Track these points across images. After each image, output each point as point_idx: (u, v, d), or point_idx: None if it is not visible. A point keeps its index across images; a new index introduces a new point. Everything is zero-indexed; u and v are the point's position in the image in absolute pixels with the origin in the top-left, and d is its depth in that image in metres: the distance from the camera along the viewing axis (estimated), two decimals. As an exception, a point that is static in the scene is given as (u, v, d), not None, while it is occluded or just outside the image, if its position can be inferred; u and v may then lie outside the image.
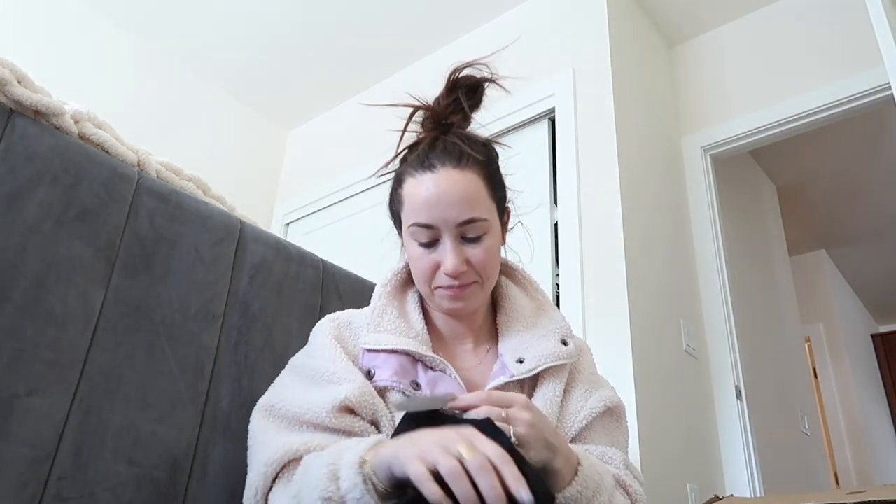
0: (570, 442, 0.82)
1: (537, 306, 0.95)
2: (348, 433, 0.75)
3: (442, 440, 0.58)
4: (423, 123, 0.90)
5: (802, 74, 2.31)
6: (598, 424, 0.86)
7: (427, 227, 0.82)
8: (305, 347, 0.89)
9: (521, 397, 0.71)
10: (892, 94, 1.86)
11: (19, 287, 0.68)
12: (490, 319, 0.95)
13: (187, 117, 2.99)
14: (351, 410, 0.77)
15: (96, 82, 2.68)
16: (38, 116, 0.75)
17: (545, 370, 0.85)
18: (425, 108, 0.89)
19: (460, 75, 0.89)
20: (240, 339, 0.90)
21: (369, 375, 0.81)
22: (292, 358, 0.89)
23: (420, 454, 0.57)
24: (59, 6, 2.63)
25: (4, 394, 0.64)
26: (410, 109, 0.90)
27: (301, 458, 0.72)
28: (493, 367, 0.88)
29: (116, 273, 0.77)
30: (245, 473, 0.81)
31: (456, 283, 0.83)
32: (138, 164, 0.86)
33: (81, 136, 0.81)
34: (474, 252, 0.83)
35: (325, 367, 0.81)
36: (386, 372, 0.81)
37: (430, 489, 0.55)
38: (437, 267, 0.83)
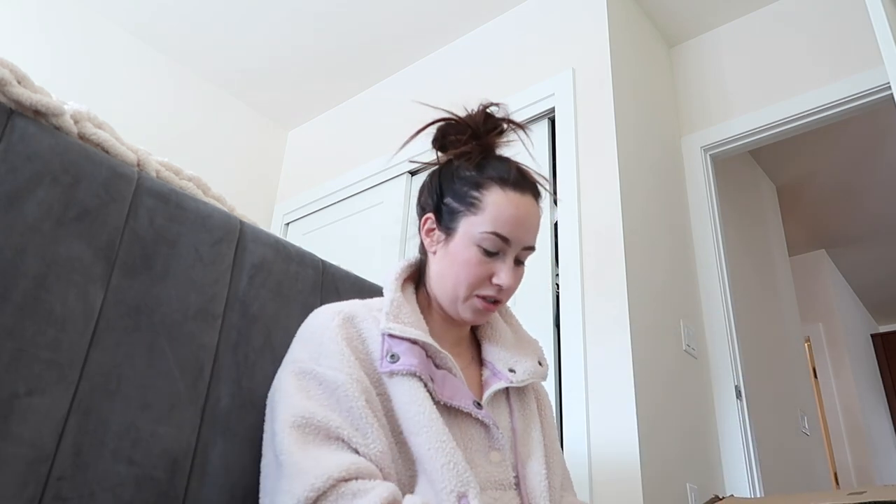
0: (549, 450, 0.94)
1: (513, 331, 1.03)
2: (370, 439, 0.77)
3: None
4: (459, 135, 0.95)
5: (802, 74, 2.31)
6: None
7: (504, 240, 0.88)
8: (309, 344, 0.86)
9: None
10: (892, 94, 1.86)
11: (19, 287, 0.68)
12: (471, 332, 1.02)
13: (187, 117, 2.99)
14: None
15: (96, 82, 2.68)
16: (38, 116, 0.75)
17: (528, 384, 0.97)
18: (469, 128, 0.95)
19: (489, 110, 0.97)
20: (239, 339, 0.90)
21: (392, 359, 0.82)
22: (295, 354, 0.86)
23: None
24: (59, 7, 2.63)
25: (4, 394, 0.64)
26: (446, 119, 0.97)
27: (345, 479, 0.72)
28: (478, 372, 0.96)
29: (116, 273, 0.77)
30: (245, 473, 0.81)
31: (499, 297, 0.90)
32: (138, 164, 0.86)
33: (81, 136, 0.81)
34: (516, 275, 0.91)
35: (337, 379, 0.80)
36: (412, 359, 0.83)
37: None
38: (489, 277, 0.89)
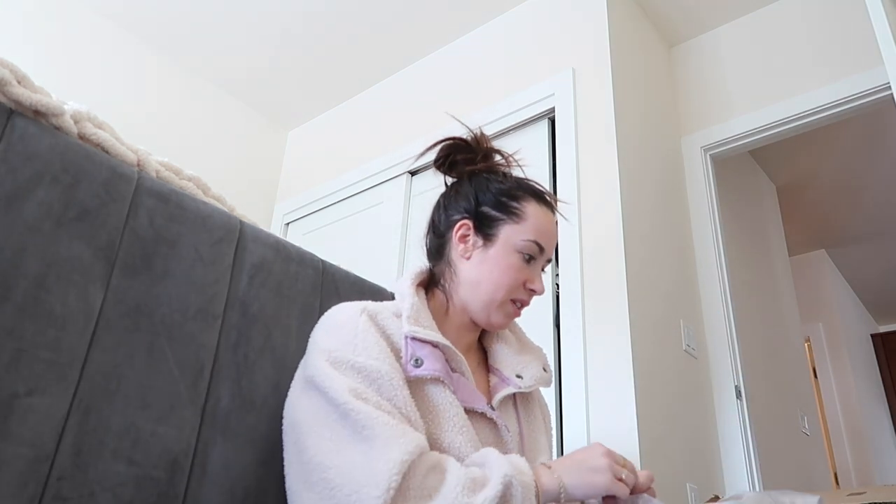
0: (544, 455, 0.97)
1: (517, 338, 1.06)
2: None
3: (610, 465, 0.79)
4: (469, 154, 1.02)
5: (802, 74, 2.31)
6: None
7: (540, 249, 0.96)
8: (339, 335, 0.84)
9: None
10: (892, 94, 1.86)
11: (19, 287, 0.68)
12: (477, 340, 1.05)
13: (187, 117, 2.99)
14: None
15: (96, 82, 2.68)
16: (38, 116, 0.75)
17: (533, 390, 1.00)
18: (476, 146, 1.03)
19: (483, 139, 1.04)
20: (239, 339, 0.90)
21: (417, 363, 0.83)
22: (324, 345, 0.83)
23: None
24: (59, 7, 2.63)
25: (4, 394, 0.64)
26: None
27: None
28: (485, 377, 0.98)
29: (116, 273, 0.77)
30: (245, 473, 0.81)
31: (528, 302, 0.97)
32: (138, 164, 0.86)
33: (81, 136, 0.81)
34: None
35: (380, 369, 0.80)
36: (435, 363, 0.85)
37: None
38: (525, 283, 0.95)
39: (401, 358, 0.84)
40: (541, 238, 0.95)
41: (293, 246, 1.05)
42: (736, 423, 2.03)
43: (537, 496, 0.75)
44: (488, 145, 1.03)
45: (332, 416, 0.76)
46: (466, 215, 0.98)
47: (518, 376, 0.96)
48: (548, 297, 1.96)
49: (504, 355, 1.00)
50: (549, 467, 0.80)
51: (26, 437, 0.65)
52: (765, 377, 2.65)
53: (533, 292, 0.95)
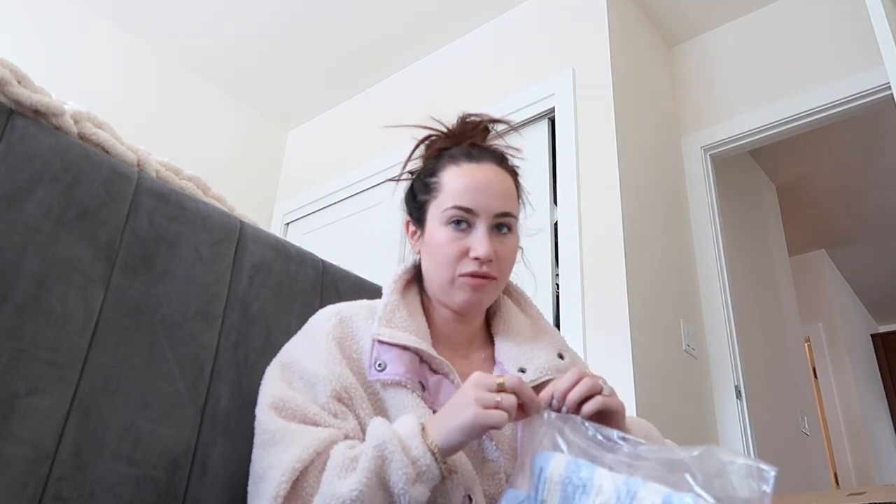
0: None
1: (532, 322, 0.98)
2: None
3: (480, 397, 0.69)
4: (435, 141, 0.96)
5: (802, 74, 2.31)
6: None
7: (467, 210, 0.86)
8: (303, 340, 0.87)
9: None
10: (892, 94, 1.86)
11: (19, 287, 0.68)
12: (485, 329, 0.98)
13: (187, 117, 2.99)
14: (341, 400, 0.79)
15: (96, 82, 2.68)
16: (38, 116, 0.75)
17: (544, 382, 0.86)
18: (442, 134, 0.96)
19: (469, 119, 0.97)
20: (239, 339, 0.90)
21: (380, 367, 0.82)
22: (289, 347, 0.87)
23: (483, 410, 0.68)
24: (59, 7, 2.63)
25: (4, 394, 0.64)
26: (426, 126, 0.96)
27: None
28: (491, 372, 0.90)
29: (116, 273, 0.77)
30: (245, 473, 0.81)
31: (481, 269, 0.85)
32: (138, 164, 0.86)
33: (81, 136, 0.81)
34: (501, 247, 0.87)
35: (319, 374, 0.80)
36: (399, 367, 0.82)
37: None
38: (466, 253, 0.86)
39: (367, 361, 0.83)
40: (462, 199, 0.86)
41: (293, 246, 1.05)
42: (736, 423, 2.03)
43: (414, 463, 0.68)
44: (460, 129, 0.95)
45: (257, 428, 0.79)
46: (407, 211, 0.96)
47: (521, 370, 0.87)
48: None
49: (507, 347, 0.92)
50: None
51: (26, 437, 0.65)
52: (765, 377, 2.65)
53: (477, 260, 0.85)
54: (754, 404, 2.22)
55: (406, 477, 0.67)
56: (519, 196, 0.93)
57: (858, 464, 3.87)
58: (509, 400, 0.68)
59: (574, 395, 0.71)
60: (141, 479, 0.73)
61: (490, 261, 0.85)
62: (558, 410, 0.71)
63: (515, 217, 0.89)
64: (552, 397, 0.72)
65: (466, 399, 0.69)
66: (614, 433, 0.65)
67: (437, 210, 0.88)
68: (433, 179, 0.90)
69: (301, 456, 0.70)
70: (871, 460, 3.87)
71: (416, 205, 0.93)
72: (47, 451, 0.66)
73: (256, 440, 0.78)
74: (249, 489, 0.76)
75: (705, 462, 0.56)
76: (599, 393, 0.72)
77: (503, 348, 0.92)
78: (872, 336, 4.93)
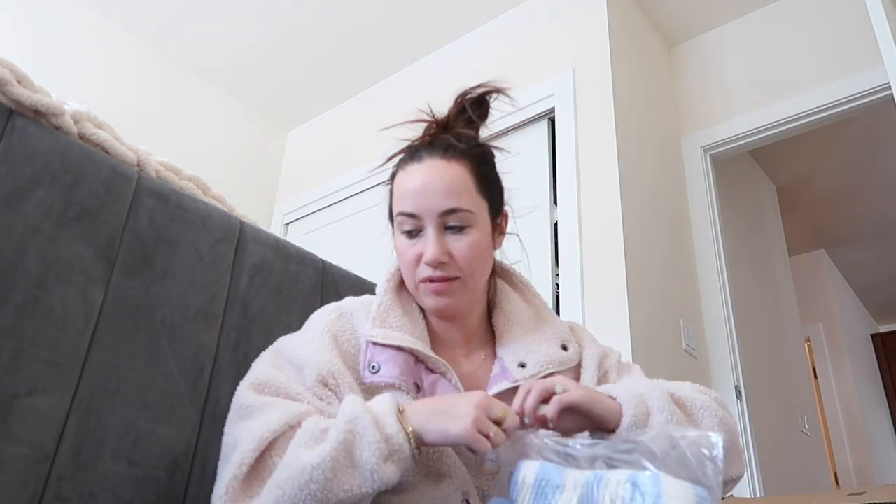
0: None
1: (535, 311, 0.94)
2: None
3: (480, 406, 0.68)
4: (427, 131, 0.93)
5: (802, 74, 2.31)
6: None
7: (411, 216, 0.83)
8: (301, 332, 0.87)
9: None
10: (892, 94, 1.86)
11: (19, 287, 0.68)
12: (486, 324, 0.94)
13: (187, 117, 2.99)
14: (326, 385, 0.78)
15: (96, 83, 2.68)
16: (38, 116, 0.75)
17: (548, 375, 0.84)
18: (435, 122, 0.92)
19: (460, 98, 0.93)
20: (240, 339, 0.90)
21: (373, 370, 0.81)
22: (288, 336, 0.86)
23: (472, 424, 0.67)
24: (60, 7, 2.63)
25: (4, 394, 0.64)
26: (417, 119, 0.94)
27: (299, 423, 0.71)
28: (490, 371, 0.87)
29: (116, 273, 0.77)
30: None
31: (437, 274, 0.82)
32: (138, 164, 0.86)
33: (81, 136, 0.81)
34: (457, 245, 0.82)
35: (308, 360, 0.80)
36: (393, 369, 0.80)
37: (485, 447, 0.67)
38: (420, 258, 0.83)
39: (360, 360, 0.82)
40: (404, 205, 0.83)
41: (293, 246, 1.06)
42: (736, 423, 2.03)
43: (387, 441, 0.67)
44: (460, 104, 0.91)
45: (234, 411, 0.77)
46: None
47: (521, 365, 0.84)
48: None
49: (508, 341, 0.89)
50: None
51: (26, 437, 0.65)
52: (765, 377, 2.65)
53: (431, 265, 0.82)
54: (754, 404, 2.22)
55: (379, 452, 0.66)
56: (482, 182, 0.86)
57: (858, 464, 3.87)
58: (500, 438, 0.68)
59: (529, 405, 0.71)
60: (141, 479, 0.73)
61: (442, 263, 0.82)
62: (530, 426, 0.72)
63: (468, 210, 0.83)
64: (522, 414, 0.72)
65: (463, 411, 0.68)
66: (570, 441, 0.68)
67: (394, 216, 0.87)
68: (390, 185, 0.90)
69: (272, 426, 0.69)
70: (871, 460, 3.87)
71: (389, 211, 0.93)
72: (47, 452, 0.66)
73: (230, 416, 0.76)
74: (220, 464, 0.72)
75: (660, 440, 0.62)
76: (553, 394, 0.72)
77: (503, 343, 0.89)
78: (872, 336, 4.94)
